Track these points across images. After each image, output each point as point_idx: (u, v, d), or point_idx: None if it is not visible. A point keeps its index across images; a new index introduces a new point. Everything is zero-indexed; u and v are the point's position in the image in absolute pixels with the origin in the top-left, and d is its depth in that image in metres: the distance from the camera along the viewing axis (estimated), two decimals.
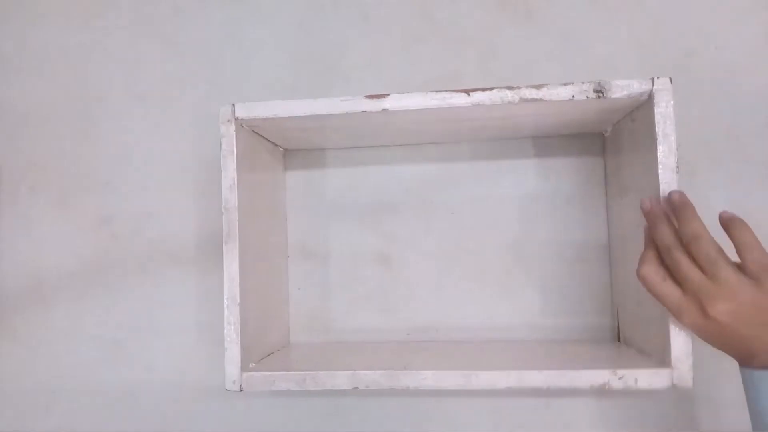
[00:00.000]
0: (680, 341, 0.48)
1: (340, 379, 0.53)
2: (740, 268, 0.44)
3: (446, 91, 0.52)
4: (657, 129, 0.49)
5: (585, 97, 0.51)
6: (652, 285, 0.46)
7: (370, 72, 0.69)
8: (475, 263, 0.66)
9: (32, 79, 0.74)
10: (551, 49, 0.67)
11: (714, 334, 0.45)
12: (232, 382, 0.54)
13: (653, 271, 0.46)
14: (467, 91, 0.52)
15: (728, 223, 0.45)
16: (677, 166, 0.49)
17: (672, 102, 0.50)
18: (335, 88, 0.69)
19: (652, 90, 0.50)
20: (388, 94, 0.52)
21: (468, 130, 0.63)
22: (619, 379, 0.49)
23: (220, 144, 0.55)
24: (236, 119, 0.55)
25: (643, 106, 0.52)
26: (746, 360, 0.45)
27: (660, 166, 0.49)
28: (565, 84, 0.51)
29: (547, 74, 0.66)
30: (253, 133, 0.60)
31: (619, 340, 0.63)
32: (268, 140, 0.65)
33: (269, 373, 0.54)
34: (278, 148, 0.68)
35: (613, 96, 0.50)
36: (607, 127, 0.63)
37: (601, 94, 0.50)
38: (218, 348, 0.55)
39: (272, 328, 0.64)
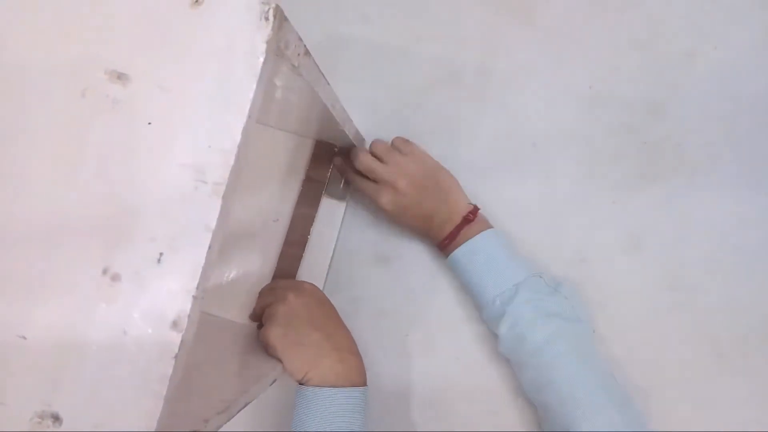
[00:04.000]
0: None
1: None
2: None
3: None
4: None
5: None
6: (358, 185, 0.62)
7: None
8: None
9: None
10: (551, 49, 0.67)
11: (405, 208, 0.59)
12: None
13: (358, 179, 0.62)
14: None
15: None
16: None
17: None
18: None
19: None
20: None
21: None
22: None
23: None
24: None
25: None
26: (427, 233, 0.60)
27: None
28: None
29: (547, 75, 0.66)
30: None
31: None
32: None
33: None
34: None
35: None
36: None
37: None
38: None
39: None
